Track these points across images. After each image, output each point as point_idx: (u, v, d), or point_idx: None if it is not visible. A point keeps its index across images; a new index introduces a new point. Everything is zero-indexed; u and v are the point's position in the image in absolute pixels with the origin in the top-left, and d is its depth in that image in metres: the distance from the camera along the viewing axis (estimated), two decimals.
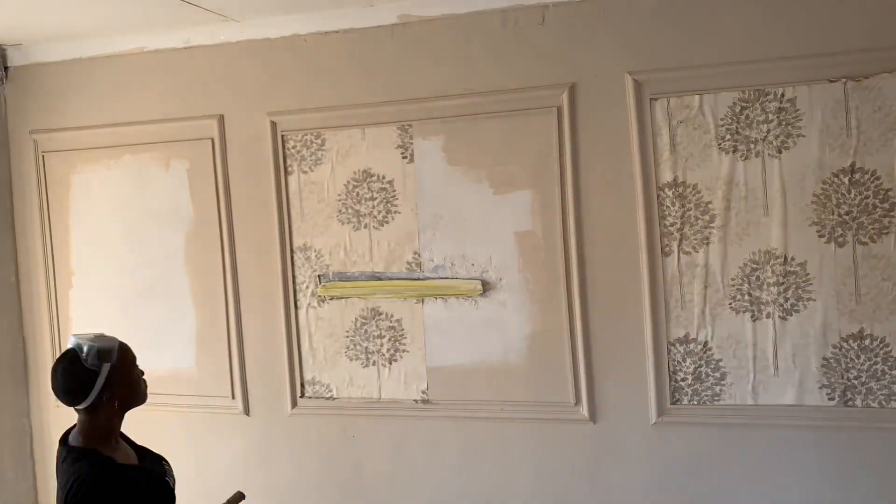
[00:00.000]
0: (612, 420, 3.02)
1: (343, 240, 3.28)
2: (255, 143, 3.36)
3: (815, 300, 2.79)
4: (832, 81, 2.72)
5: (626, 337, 2.97)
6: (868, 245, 2.73)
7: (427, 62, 3.13)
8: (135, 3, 3.03)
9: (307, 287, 3.34)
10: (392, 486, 3.30)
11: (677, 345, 2.93)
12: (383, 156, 3.21)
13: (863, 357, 2.75)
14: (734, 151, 2.83)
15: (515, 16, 3.02)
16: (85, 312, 3.66)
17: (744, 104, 2.81)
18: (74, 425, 2.19)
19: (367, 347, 3.29)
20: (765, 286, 2.83)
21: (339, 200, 3.28)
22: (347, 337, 3.31)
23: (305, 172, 3.31)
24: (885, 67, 2.67)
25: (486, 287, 3.11)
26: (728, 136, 2.83)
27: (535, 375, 3.08)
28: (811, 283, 2.79)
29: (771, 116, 2.79)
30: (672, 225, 2.91)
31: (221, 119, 3.39)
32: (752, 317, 2.85)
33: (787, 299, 2.81)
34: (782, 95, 2.77)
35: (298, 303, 3.36)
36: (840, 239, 2.75)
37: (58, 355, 3.71)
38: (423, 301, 3.19)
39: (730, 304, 2.87)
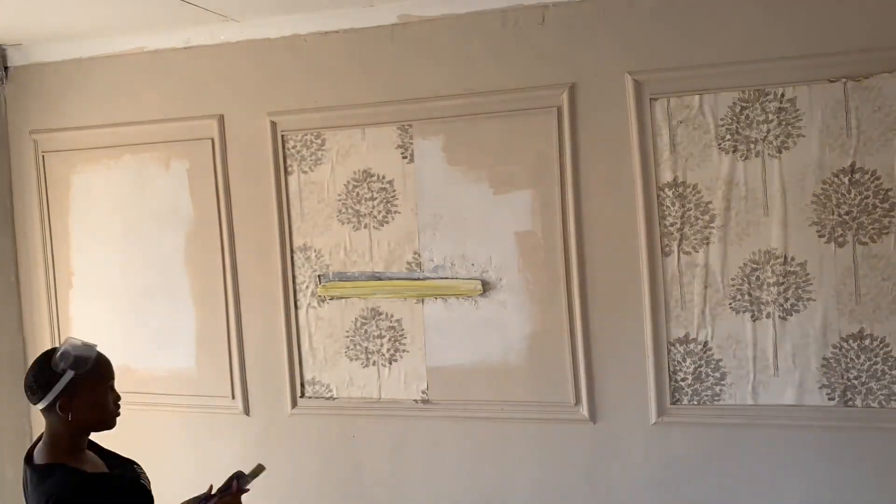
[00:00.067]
0: (612, 420, 3.02)
1: (343, 240, 3.28)
2: (255, 143, 3.36)
3: (815, 300, 2.79)
4: (832, 81, 2.72)
5: (626, 337, 2.97)
6: (868, 245, 2.73)
7: (427, 62, 3.13)
8: (135, 3, 3.03)
9: (307, 287, 3.34)
10: (392, 486, 3.30)
11: (677, 345, 2.93)
12: (383, 156, 3.21)
13: (863, 357, 2.75)
14: (734, 151, 2.83)
15: (515, 16, 3.02)
16: (85, 312, 3.66)
17: (744, 104, 2.81)
18: (38, 440, 2.10)
19: (367, 347, 3.29)
20: (765, 286, 2.83)
21: (339, 200, 3.28)
22: (347, 337, 3.31)
23: (305, 172, 3.31)
24: (885, 67, 2.66)
25: (486, 287, 3.11)
26: (728, 136, 2.83)
27: (535, 375, 3.09)
28: (811, 283, 2.79)
29: (771, 116, 2.79)
30: (672, 225, 2.91)
31: (221, 119, 3.39)
32: (752, 317, 2.85)
33: (787, 299, 2.81)
34: (782, 95, 2.77)
35: (298, 303, 3.36)
36: (840, 239, 2.75)
37: None
38: (423, 301, 3.19)
39: (730, 304, 2.87)
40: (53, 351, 2.05)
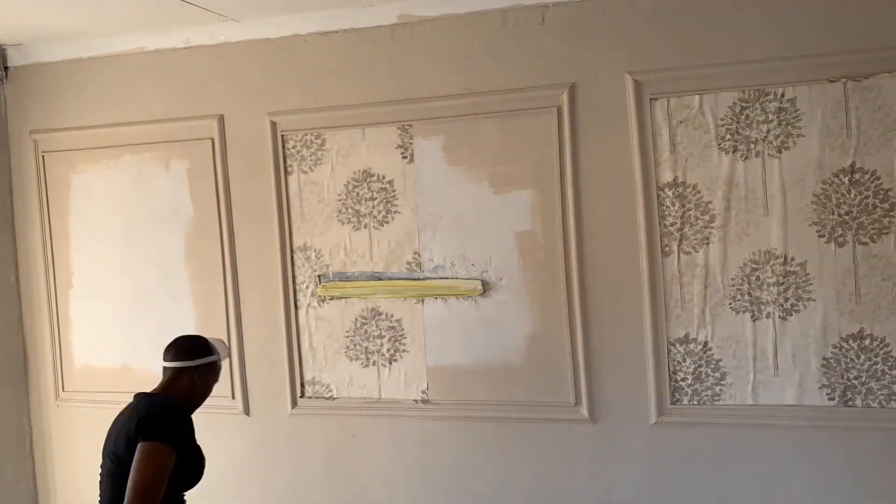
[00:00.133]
0: (612, 420, 3.02)
1: (343, 240, 3.28)
2: (255, 143, 3.36)
3: (815, 300, 2.79)
4: (832, 81, 2.72)
5: (626, 337, 2.97)
6: (868, 245, 2.73)
7: (427, 62, 3.13)
8: (135, 3, 3.03)
9: (307, 287, 3.34)
10: (392, 486, 3.30)
11: (677, 345, 2.93)
12: (383, 156, 3.21)
13: (863, 357, 2.75)
14: (734, 151, 2.83)
15: (515, 16, 3.02)
16: (85, 312, 3.66)
17: (744, 104, 2.81)
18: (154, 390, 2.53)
19: (367, 347, 3.29)
20: (765, 286, 2.83)
21: (339, 200, 3.28)
22: (347, 337, 3.31)
23: (305, 172, 3.31)
24: (885, 67, 2.67)
25: (486, 287, 3.11)
26: (728, 136, 2.83)
27: (535, 375, 3.09)
28: (811, 283, 2.79)
29: (771, 116, 2.79)
30: (672, 225, 2.91)
31: (221, 119, 3.40)
32: (752, 317, 2.85)
33: (787, 299, 2.81)
34: (782, 95, 2.77)
35: (298, 303, 3.36)
36: (840, 239, 2.75)
37: (58, 355, 3.75)
38: (423, 301, 3.19)
39: (730, 304, 2.87)
40: (202, 336, 2.64)
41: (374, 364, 3.29)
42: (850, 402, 2.77)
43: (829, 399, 2.79)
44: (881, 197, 2.70)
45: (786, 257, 2.81)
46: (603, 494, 3.05)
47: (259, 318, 3.41)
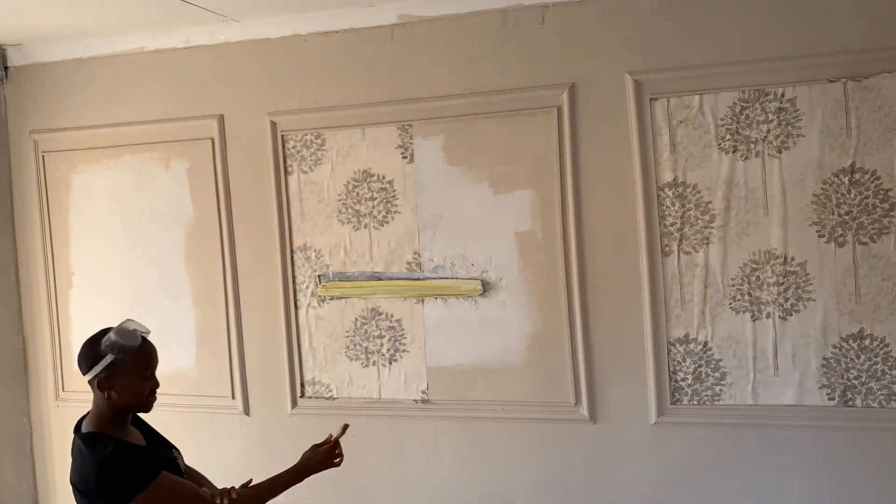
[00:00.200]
0: (612, 420, 3.02)
1: (343, 240, 3.28)
2: (255, 143, 3.36)
3: (815, 300, 2.79)
4: (832, 81, 2.72)
5: (626, 337, 2.97)
6: (868, 245, 2.73)
7: (427, 62, 3.13)
8: (135, 3, 3.03)
9: (307, 287, 3.34)
10: (392, 486, 3.30)
11: (677, 345, 2.93)
12: (383, 156, 3.21)
13: (863, 357, 2.75)
14: (734, 151, 2.83)
15: (515, 16, 3.02)
16: (85, 312, 3.66)
17: (744, 104, 2.81)
18: (88, 412, 2.23)
19: (367, 347, 3.29)
20: (765, 286, 2.83)
21: (339, 200, 3.28)
22: (347, 337, 3.31)
23: (305, 172, 3.31)
24: (885, 67, 2.67)
25: (486, 287, 3.11)
26: (728, 136, 2.83)
27: (535, 375, 3.09)
28: (811, 283, 2.79)
29: (771, 116, 2.79)
30: (672, 225, 2.91)
31: (221, 119, 3.40)
32: (752, 317, 2.85)
33: (787, 299, 2.81)
34: (782, 95, 2.77)
35: (298, 303, 3.36)
36: (840, 239, 2.75)
37: (58, 355, 3.75)
38: (423, 301, 3.19)
39: (730, 304, 2.87)
40: (104, 329, 2.19)
41: (374, 364, 3.29)
42: (850, 402, 2.77)
43: (829, 399, 2.79)
44: (881, 197, 2.70)
45: (786, 257, 2.81)
46: (603, 494, 3.05)
47: (259, 318, 3.41)
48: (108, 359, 2.12)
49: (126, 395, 2.14)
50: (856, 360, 2.76)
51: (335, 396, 3.34)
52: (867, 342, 2.75)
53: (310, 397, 3.38)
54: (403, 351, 3.24)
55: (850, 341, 2.76)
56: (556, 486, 3.10)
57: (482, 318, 3.13)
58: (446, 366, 3.19)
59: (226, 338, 3.43)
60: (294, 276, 3.36)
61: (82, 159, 3.60)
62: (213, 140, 3.41)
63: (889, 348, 2.73)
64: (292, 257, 3.36)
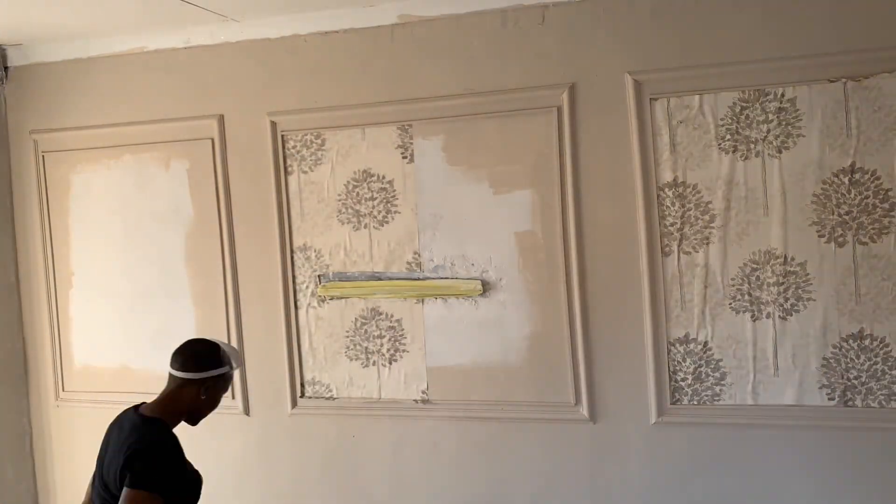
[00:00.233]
0: (612, 420, 3.02)
1: (343, 240, 3.29)
2: (255, 143, 3.36)
3: (815, 300, 2.79)
4: (832, 81, 2.72)
5: (626, 337, 2.97)
6: (868, 245, 2.73)
7: (427, 62, 3.13)
8: (135, 3, 3.03)
9: (307, 287, 3.34)
10: (392, 486, 3.30)
11: (677, 345, 2.93)
12: (383, 156, 3.21)
13: (863, 357, 2.75)
14: (734, 151, 2.83)
15: (515, 16, 3.02)
16: (85, 312, 3.66)
17: (744, 104, 2.81)
18: (142, 403, 2.37)
19: (367, 347, 3.29)
20: (765, 286, 2.83)
21: (339, 200, 3.28)
22: (347, 337, 3.31)
23: (305, 172, 3.31)
24: (885, 67, 2.67)
25: (486, 287, 3.11)
26: (728, 136, 2.83)
27: (535, 375, 3.09)
28: (811, 283, 2.79)
29: (771, 116, 2.79)
30: (672, 225, 2.91)
31: (221, 119, 3.40)
32: (752, 317, 2.85)
33: (787, 299, 2.81)
34: (782, 95, 2.77)
35: (298, 303, 3.36)
36: (840, 239, 2.75)
37: (58, 355, 3.75)
38: (423, 301, 3.19)
39: (730, 304, 2.87)
40: (214, 342, 2.40)
41: (374, 364, 3.29)
42: (850, 402, 2.77)
43: (829, 399, 2.79)
44: (881, 197, 2.70)
45: (786, 257, 2.81)
46: (603, 494, 3.05)
47: (259, 318, 3.41)
48: (225, 369, 2.35)
49: (210, 403, 2.38)
50: (856, 360, 2.76)
51: (335, 396, 3.34)
52: (867, 342, 2.75)
53: (310, 397, 3.38)
54: (403, 351, 3.24)
55: (850, 341, 2.76)
56: (556, 486, 3.10)
57: (482, 318, 3.13)
58: (446, 366, 3.19)
59: (226, 338, 3.43)
60: (294, 276, 3.36)
61: (82, 159, 3.60)
62: (213, 140, 3.41)
63: (889, 348, 2.73)
64: (292, 257, 3.36)
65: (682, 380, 2.93)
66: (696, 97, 2.85)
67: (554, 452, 3.10)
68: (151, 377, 3.55)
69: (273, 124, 3.32)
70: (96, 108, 3.56)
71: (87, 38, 3.49)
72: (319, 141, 3.29)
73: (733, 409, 2.88)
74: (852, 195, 2.73)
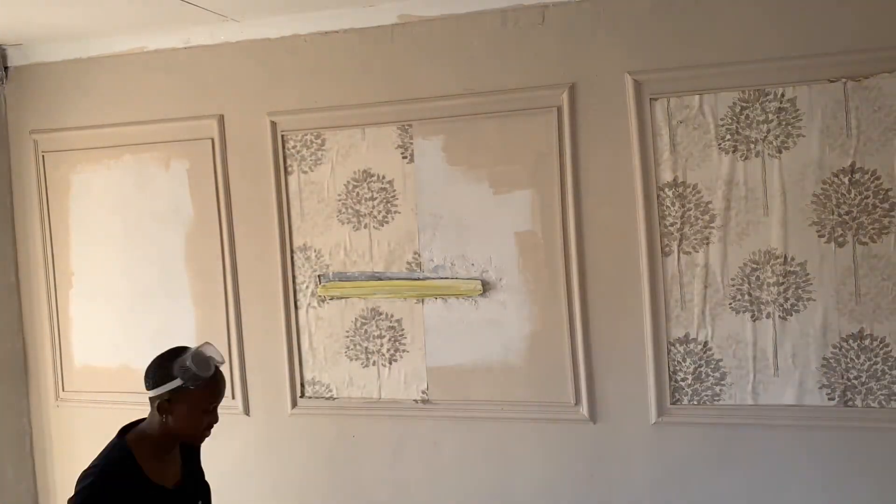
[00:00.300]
0: (612, 420, 3.02)
1: (343, 240, 3.29)
2: (255, 143, 3.36)
3: (815, 300, 2.79)
4: (832, 81, 2.72)
5: (626, 337, 2.98)
6: (868, 245, 2.73)
7: (427, 62, 3.13)
8: (135, 3, 3.03)
9: (307, 287, 3.34)
10: (392, 486, 3.30)
11: (677, 345, 2.93)
12: (383, 156, 3.21)
13: (863, 357, 2.75)
14: (734, 151, 2.83)
15: (515, 16, 3.02)
16: (85, 312, 3.66)
17: (744, 104, 2.81)
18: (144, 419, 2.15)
19: (367, 347, 3.29)
20: (765, 286, 2.83)
21: (339, 200, 3.28)
22: (347, 337, 3.31)
23: (305, 172, 3.31)
24: (885, 67, 2.67)
25: (486, 287, 3.11)
26: (728, 136, 2.83)
27: (535, 375, 3.09)
28: (811, 283, 2.79)
29: (771, 116, 2.79)
30: (672, 225, 2.91)
31: (221, 119, 3.40)
32: (752, 317, 2.85)
33: (787, 299, 2.81)
34: (782, 95, 2.77)
35: (298, 303, 3.36)
36: (840, 239, 2.75)
37: (58, 355, 3.75)
38: (423, 301, 3.19)
39: (730, 304, 2.87)
40: (180, 349, 2.11)
41: (374, 364, 3.29)
42: (850, 402, 2.77)
43: (829, 399, 2.79)
44: (881, 197, 2.70)
45: (786, 257, 2.81)
46: (603, 494, 3.05)
47: (259, 318, 3.41)
48: (176, 383, 2.03)
49: (182, 424, 2.05)
50: (856, 360, 2.76)
51: (335, 396, 3.34)
52: (867, 342, 2.75)
53: (310, 397, 3.38)
54: (403, 351, 3.24)
55: (850, 341, 2.76)
56: (556, 486, 3.10)
57: (482, 318, 3.13)
58: (446, 366, 3.19)
59: (226, 338, 3.43)
60: (294, 276, 3.36)
61: (82, 159, 3.60)
62: (213, 140, 3.41)
63: (889, 348, 2.73)
64: (292, 257, 3.36)
65: (682, 380, 2.93)
66: (696, 97, 2.85)
67: (554, 452, 3.10)
68: None
69: (273, 124, 3.32)
70: (96, 108, 3.56)
71: (87, 38, 3.49)
72: (319, 141, 3.29)
73: (733, 409, 2.88)
74: (852, 195, 2.73)
